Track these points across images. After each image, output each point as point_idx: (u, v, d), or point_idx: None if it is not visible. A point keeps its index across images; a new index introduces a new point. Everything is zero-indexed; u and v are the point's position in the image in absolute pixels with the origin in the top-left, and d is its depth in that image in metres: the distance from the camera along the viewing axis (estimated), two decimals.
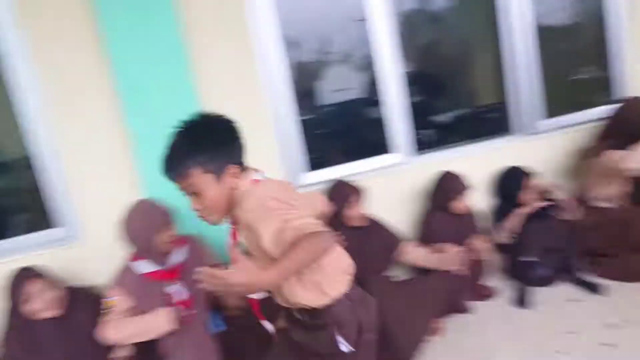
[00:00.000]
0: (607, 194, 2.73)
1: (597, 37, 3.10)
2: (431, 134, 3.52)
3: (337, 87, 3.88)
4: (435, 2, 4.28)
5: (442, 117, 3.73)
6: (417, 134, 3.06)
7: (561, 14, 3.39)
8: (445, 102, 3.98)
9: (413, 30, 4.33)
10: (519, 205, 2.74)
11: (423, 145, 3.03)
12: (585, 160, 2.86)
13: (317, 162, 2.91)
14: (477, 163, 2.94)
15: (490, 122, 3.38)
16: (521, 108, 3.00)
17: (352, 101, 3.73)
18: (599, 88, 3.16)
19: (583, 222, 2.69)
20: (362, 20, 2.77)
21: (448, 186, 2.70)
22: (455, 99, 3.97)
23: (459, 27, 4.05)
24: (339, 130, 3.53)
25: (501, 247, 2.81)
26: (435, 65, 4.19)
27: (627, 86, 3.08)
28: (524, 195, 2.74)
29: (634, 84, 3.07)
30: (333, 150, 3.39)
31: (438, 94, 4.00)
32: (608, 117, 2.75)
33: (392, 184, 2.85)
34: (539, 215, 2.69)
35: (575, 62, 3.32)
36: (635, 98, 2.73)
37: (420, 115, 3.49)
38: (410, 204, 2.88)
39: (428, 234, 2.71)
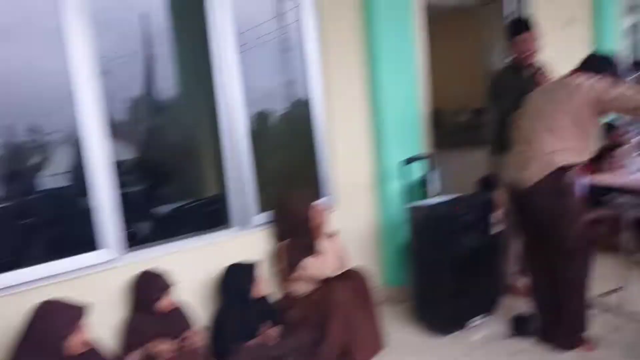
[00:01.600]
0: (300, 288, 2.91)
1: (310, 138, 3.42)
2: (148, 227, 3.30)
3: (50, 171, 3.47)
4: (160, 91, 4.21)
5: (162, 209, 3.56)
6: (132, 228, 2.81)
7: (275, 117, 3.69)
8: (166, 193, 3.85)
9: (134, 117, 4.14)
10: (248, 300, 2.69)
11: (137, 240, 2.78)
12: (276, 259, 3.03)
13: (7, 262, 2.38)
14: (195, 257, 2.82)
15: (210, 214, 3.35)
16: (239, 201, 3.04)
17: (61, 189, 3.32)
18: (307, 184, 3.44)
19: (291, 317, 2.77)
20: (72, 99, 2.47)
21: (149, 286, 2.50)
22: (176, 189, 3.86)
23: (183, 118, 4.04)
24: (41, 222, 3.04)
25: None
26: (157, 155, 4.05)
27: (331, 185, 3.42)
28: (254, 290, 2.71)
29: (335, 183, 3.43)
30: (30, 246, 2.88)
31: (159, 185, 3.84)
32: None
33: (99, 285, 2.49)
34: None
35: (289, 159, 3.57)
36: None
37: (138, 207, 3.25)
38: (117, 308, 2.54)
39: (134, 339, 2.41)
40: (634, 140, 2.91)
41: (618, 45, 5.51)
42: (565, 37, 5.04)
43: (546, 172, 2.55)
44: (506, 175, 2.81)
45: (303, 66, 3.32)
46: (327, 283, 2.74)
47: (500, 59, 4.97)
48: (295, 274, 2.81)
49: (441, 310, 3.04)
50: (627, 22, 6.20)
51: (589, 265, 2.67)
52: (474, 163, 4.43)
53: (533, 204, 2.64)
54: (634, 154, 2.94)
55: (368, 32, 3.44)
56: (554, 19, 4.91)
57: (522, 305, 3.30)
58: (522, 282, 3.45)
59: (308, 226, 2.87)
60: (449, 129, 10.70)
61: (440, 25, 7.80)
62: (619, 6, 5.55)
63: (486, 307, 3.21)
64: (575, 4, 5.14)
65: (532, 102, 2.77)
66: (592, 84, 2.51)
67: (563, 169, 2.57)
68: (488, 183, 3.80)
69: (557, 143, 2.55)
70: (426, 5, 3.88)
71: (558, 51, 4.92)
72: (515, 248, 3.53)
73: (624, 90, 2.47)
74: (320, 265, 2.81)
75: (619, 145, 3.38)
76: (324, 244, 2.90)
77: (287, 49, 3.48)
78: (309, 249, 2.84)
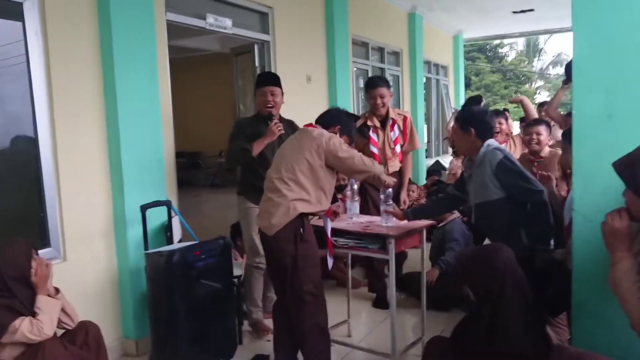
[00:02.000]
0: None
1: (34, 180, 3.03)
2: None
3: None
4: None
5: None
6: None
7: None
8: None
9: None
10: None
11: None
12: None
13: None
14: None
15: None
16: None
17: None
18: (28, 232, 3.04)
19: None
20: None
21: None
22: None
23: None
24: None
25: None
26: None
27: (58, 232, 3.08)
28: None
29: (65, 229, 3.10)
30: None
31: None
32: None
33: None
34: None
35: (5, 203, 3.10)
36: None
37: None
38: None
39: None
40: (354, 188, 3.29)
41: (349, 103, 6.30)
42: (306, 93, 5.58)
43: (288, 220, 2.69)
44: (258, 221, 2.89)
45: (27, 100, 2.96)
46: (40, 346, 2.39)
47: (251, 106, 5.24)
48: (4, 339, 2.40)
49: (179, 358, 2.93)
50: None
51: (324, 305, 2.88)
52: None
53: (278, 249, 2.75)
54: (354, 200, 3.31)
55: (107, 70, 3.24)
56: (295, 75, 5.40)
57: (263, 345, 3.42)
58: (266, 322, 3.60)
59: (23, 281, 2.49)
60: (210, 171, 10.90)
61: (199, 71, 8.01)
62: (349, 68, 6.38)
63: (226, 351, 3.21)
64: (312, 64, 5.73)
65: (277, 153, 2.92)
66: (328, 139, 2.74)
67: (304, 216, 2.76)
68: (238, 228, 3.89)
69: (298, 192, 2.72)
70: (175, 48, 3.89)
71: (299, 105, 5.42)
72: (259, 289, 3.66)
73: (354, 153, 2.79)
74: (38, 326, 2.45)
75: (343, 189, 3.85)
76: (43, 301, 2.54)
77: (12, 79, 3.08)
78: (23, 308, 2.45)
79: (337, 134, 2.90)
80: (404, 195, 4.20)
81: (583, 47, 2.11)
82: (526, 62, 30.74)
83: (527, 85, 29.87)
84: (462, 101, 11.74)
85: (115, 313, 3.38)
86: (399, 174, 4.17)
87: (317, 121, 3.00)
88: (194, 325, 2.96)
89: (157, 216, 3.44)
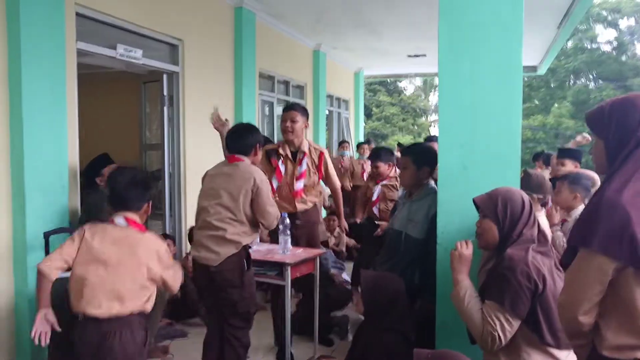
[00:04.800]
0: None
1: None
2: None
3: None
4: None
5: None
6: None
7: None
8: None
9: None
10: None
11: None
12: None
13: None
14: None
15: None
16: None
17: None
18: None
19: None
20: None
21: None
22: None
23: None
24: None
25: None
26: None
27: None
28: None
29: None
30: None
31: None
32: None
33: None
34: None
35: None
36: None
37: None
38: None
39: None
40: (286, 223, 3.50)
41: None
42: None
43: (232, 252, 2.91)
44: (195, 254, 3.03)
45: None
46: None
47: (157, 133, 5.36)
48: None
49: None
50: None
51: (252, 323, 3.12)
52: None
53: (221, 279, 2.92)
54: (285, 234, 3.50)
55: (14, 97, 3.29)
56: (203, 105, 5.60)
57: None
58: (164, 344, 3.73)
59: None
60: None
61: (107, 91, 7.91)
62: (255, 100, 6.69)
63: None
64: (220, 95, 5.96)
65: (213, 185, 3.04)
66: (257, 186, 2.93)
67: (245, 247, 2.98)
68: None
69: (238, 228, 2.93)
70: (82, 65, 3.95)
71: (206, 135, 5.61)
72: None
73: (276, 212, 3.03)
74: None
75: None
76: None
77: None
78: None
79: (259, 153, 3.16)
80: (342, 224, 4.44)
81: (445, 111, 2.58)
82: (422, 97, 32.91)
83: (423, 118, 31.91)
84: (361, 133, 12.46)
85: (10, 340, 3.34)
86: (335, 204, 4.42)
87: (233, 148, 3.10)
88: None
89: (59, 242, 3.47)
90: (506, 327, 1.90)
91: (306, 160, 3.85)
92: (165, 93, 5.22)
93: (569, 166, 4.26)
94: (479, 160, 2.54)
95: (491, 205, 2.09)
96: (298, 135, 3.83)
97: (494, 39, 2.51)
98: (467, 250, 2.14)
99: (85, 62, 4.34)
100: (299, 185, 3.83)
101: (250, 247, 3.09)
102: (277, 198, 3.76)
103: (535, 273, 1.91)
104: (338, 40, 8.78)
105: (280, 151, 3.88)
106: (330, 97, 10.34)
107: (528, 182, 3.30)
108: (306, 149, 3.87)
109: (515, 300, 1.89)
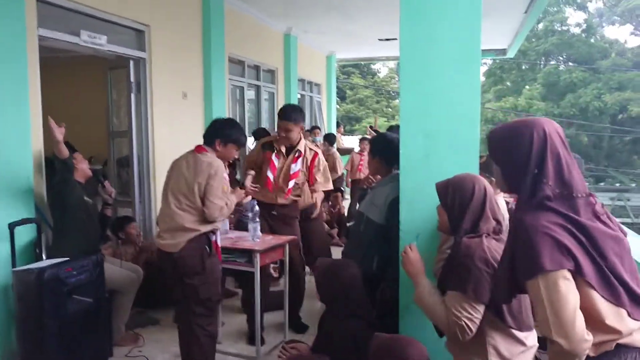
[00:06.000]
0: None
1: None
2: None
3: None
4: None
5: None
6: None
7: None
8: None
9: None
10: None
11: None
12: None
13: None
14: None
15: None
16: None
17: None
18: None
19: None
20: None
21: None
22: None
23: None
24: None
25: None
26: None
27: None
28: None
29: None
30: None
31: None
32: None
33: None
34: None
35: None
36: None
37: None
38: None
39: None
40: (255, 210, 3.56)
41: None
42: (182, 109, 5.76)
43: (187, 239, 2.96)
44: (157, 241, 3.10)
45: None
46: None
47: (125, 120, 5.30)
48: None
49: None
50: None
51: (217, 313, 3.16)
52: None
53: (183, 265, 2.99)
54: (255, 221, 3.55)
55: None
56: (171, 91, 5.56)
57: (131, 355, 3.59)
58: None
59: None
60: None
61: (72, 75, 7.75)
62: (225, 85, 6.66)
63: None
64: (188, 80, 5.92)
65: (171, 173, 3.12)
66: (211, 177, 2.97)
67: (205, 234, 3.02)
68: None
69: (196, 213, 2.99)
70: (46, 48, 3.87)
71: (175, 121, 5.58)
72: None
73: (221, 204, 3.01)
74: None
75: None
76: None
77: None
78: None
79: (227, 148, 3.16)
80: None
81: (407, 99, 2.63)
82: (396, 79, 33.06)
83: (396, 101, 32.10)
84: (334, 117, 12.49)
85: None
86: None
87: (203, 138, 3.18)
88: (65, 341, 3.05)
89: (25, 233, 3.44)
90: (473, 315, 1.91)
91: (300, 160, 3.90)
92: (132, 80, 5.15)
93: None
94: (440, 147, 2.59)
95: (443, 192, 2.14)
96: (294, 141, 3.90)
97: (454, 27, 2.55)
98: (413, 252, 2.18)
99: (49, 45, 4.24)
100: (290, 184, 3.88)
101: (213, 235, 3.12)
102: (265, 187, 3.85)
103: (492, 258, 1.94)
104: (309, 24, 8.74)
105: (276, 145, 3.92)
106: (302, 81, 10.31)
107: (488, 166, 3.40)
108: (302, 148, 3.92)
109: (477, 287, 1.91)
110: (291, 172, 3.88)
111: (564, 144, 1.59)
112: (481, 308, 1.92)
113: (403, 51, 2.62)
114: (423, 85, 2.60)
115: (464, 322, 1.90)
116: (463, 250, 1.97)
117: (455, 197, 2.09)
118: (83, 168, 3.62)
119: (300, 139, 3.94)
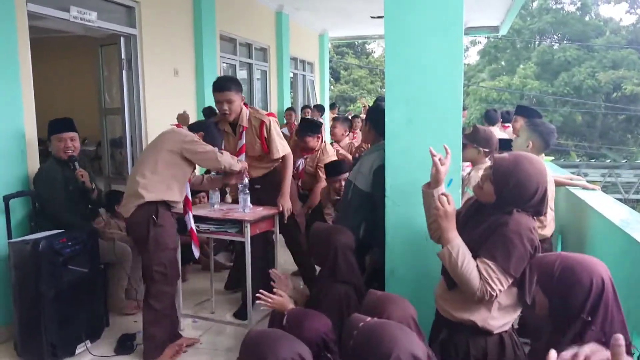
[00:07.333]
0: None
1: None
2: None
3: None
4: None
5: None
6: None
7: None
8: None
9: None
10: None
11: None
12: None
13: None
14: None
15: None
16: None
17: None
18: None
19: None
20: None
21: None
22: None
23: None
24: None
25: None
26: None
27: None
28: None
29: None
30: None
31: None
32: None
33: None
34: None
35: None
36: None
37: None
38: None
39: None
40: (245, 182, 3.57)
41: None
42: (173, 86, 5.78)
43: (136, 205, 3.04)
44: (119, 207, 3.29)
45: None
46: None
47: (117, 97, 5.32)
48: None
49: (47, 341, 3.08)
50: None
51: (173, 285, 3.22)
52: None
53: (131, 230, 3.15)
54: (245, 193, 3.60)
55: None
56: (162, 68, 5.58)
57: (129, 325, 3.67)
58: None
59: None
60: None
61: (63, 54, 7.74)
62: (216, 63, 6.67)
63: (94, 331, 3.41)
64: (180, 57, 5.93)
65: (146, 148, 3.30)
66: (189, 137, 3.13)
67: (159, 204, 3.08)
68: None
69: (151, 183, 3.07)
70: (37, 28, 3.89)
71: (166, 97, 5.61)
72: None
73: (209, 149, 3.18)
74: None
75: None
76: None
77: None
78: None
79: (200, 139, 3.23)
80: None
81: (392, 67, 2.68)
82: None
83: None
84: (327, 96, 12.50)
85: None
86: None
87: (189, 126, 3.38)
88: (60, 309, 3.12)
89: (20, 206, 3.50)
90: (504, 286, 1.95)
91: (245, 135, 3.71)
92: (123, 56, 5.17)
93: (520, 122, 4.49)
94: (423, 115, 2.66)
95: (502, 179, 2.01)
96: (236, 113, 3.66)
97: None
98: (450, 206, 2.08)
99: (39, 25, 4.25)
100: (241, 158, 3.66)
101: (173, 207, 3.20)
102: None
103: (536, 240, 1.98)
104: (301, 1, 8.71)
105: (220, 126, 3.72)
106: (294, 59, 10.31)
107: (476, 136, 3.48)
108: (245, 122, 3.70)
109: (519, 265, 1.93)
110: (237, 149, 3.71)
111: (614, 291, 1.66)
112: (511, 280, 1.96)
113: (387, 19, 2.67)
114: (405, 52, 2.65)
115: (496, 291, 1.94)
116: (513, 226, 1.96)
117: (514, 193, 2.01)
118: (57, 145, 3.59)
119: (241, 110, 3.69)
